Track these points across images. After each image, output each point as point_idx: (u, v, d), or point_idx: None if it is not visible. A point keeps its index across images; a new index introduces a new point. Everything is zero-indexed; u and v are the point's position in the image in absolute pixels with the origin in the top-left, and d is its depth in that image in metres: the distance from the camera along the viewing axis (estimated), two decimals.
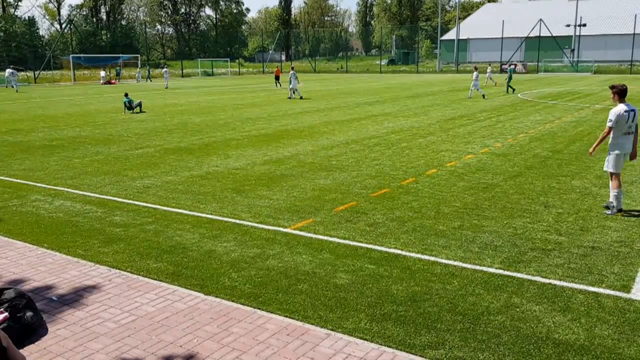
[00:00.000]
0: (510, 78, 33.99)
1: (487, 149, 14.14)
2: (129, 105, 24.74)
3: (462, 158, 12.92)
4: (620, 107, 8.24)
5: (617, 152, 8.31)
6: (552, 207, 8.74)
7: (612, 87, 8.50)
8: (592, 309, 5.27)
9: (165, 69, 50.73)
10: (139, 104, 25.22)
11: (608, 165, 8.42)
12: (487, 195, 9.47)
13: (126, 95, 25.54)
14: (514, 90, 33.67)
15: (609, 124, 8.27)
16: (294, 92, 31.79)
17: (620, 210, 8.29)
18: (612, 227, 7.69)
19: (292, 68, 34.48)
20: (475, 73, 30.08)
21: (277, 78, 46.13)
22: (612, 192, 8.31)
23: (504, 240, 7.22)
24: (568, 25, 70.08)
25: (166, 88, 44.49)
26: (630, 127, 8.26)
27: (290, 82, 32.11)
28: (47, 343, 4.77)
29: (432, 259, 6.59)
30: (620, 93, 8.30)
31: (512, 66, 40.91)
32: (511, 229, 7.64)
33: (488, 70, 43.36)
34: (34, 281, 6.11)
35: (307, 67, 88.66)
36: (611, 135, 8.35)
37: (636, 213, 8.37)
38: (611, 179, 8.42)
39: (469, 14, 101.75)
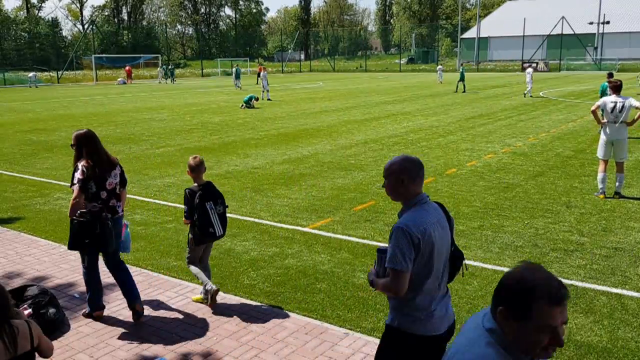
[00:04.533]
0: (462, 77, 34.09)
1: (508, 148, 14.00)
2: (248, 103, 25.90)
3: (483, 157, 12.80)
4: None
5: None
6: (574, 207, 8.62)
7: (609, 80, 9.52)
8: (615, 311, 5.18)
9: (235, 68, 51.78)
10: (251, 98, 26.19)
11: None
12: (508, 195, 9.37)
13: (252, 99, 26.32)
14: (464, 89, 33.85)
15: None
16: (265, 92, 31.02)
17: (603, 193, 9.18)
18: (635, 228, 7.56)
19: (264, 68, 34.28)
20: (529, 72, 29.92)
21: (258, 75, 45.77)
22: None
23: (525, 240, 7.14)
24: (591, 23, 68.88)
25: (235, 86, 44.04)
26: (617, 117, 9.07)
27: (263, 84, 31.46)
28: (69, 339, 4.85)
29: None
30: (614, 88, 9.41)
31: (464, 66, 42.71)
32: (532, 229, 7.56)
33: (438, 68, 44.50)
34: (56, 278, 6.21)
35: (326, 66, 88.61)
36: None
37: None
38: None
39: (489, 12, 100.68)
